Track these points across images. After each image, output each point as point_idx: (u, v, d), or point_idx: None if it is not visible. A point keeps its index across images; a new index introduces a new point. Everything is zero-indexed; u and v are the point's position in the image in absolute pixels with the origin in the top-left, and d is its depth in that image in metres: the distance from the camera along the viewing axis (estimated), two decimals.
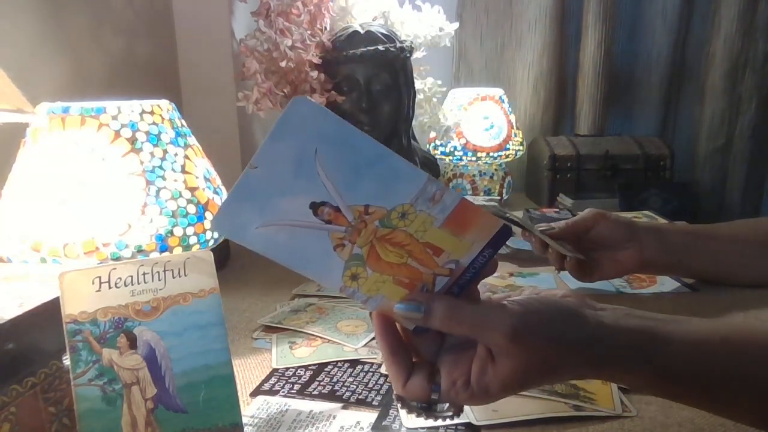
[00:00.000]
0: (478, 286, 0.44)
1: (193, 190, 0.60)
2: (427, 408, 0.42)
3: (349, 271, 0.40)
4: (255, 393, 0.56)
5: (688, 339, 0.42)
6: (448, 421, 0.44)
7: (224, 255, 0.99)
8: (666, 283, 0.83)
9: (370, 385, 0.57)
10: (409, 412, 0.43)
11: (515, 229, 0.75)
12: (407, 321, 0.42)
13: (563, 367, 0.41)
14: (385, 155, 0.38)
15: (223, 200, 0.64)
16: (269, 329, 0.71)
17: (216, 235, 0.62)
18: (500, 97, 1.43)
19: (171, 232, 0.57)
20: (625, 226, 0.74)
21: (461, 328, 0.40)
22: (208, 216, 0.61)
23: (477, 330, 0.40)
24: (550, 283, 0.86)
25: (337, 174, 0.37)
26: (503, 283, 0.85)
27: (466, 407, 0.52)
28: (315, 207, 0.38)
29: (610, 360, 0.41)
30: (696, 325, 0.44)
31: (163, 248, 0.57)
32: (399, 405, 0.44)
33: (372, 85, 1.06)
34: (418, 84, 1.23)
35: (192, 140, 0.65)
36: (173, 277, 0.46)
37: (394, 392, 0.44)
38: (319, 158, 0.37)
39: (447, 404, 0.42)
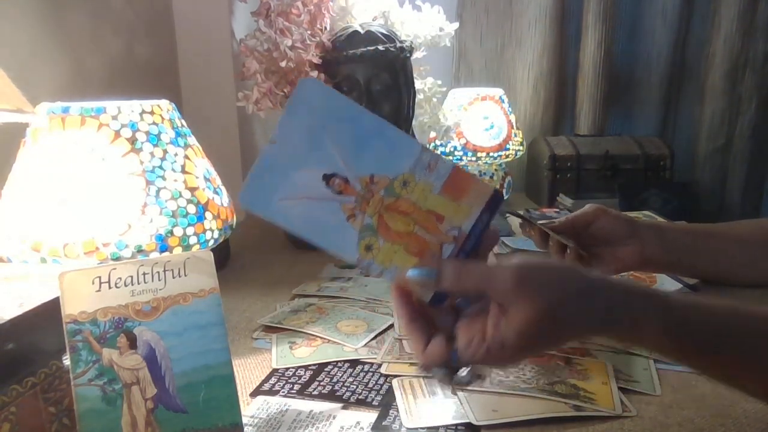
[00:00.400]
0: None
1: (193, 190, 0.60)
2: (449, 374, 0.44)
3: (363, 242, 0.43)
4: (255, 393, 0.56)
5: (694, 302, 0.44)
6: (470, 388, 0.45)
7: (224, 255, 0.99)
8: (666, 283, 0.83)
9: (370, 385, 0.57)
10: (433, 378, 0.45)
11: (515, 227, 0.75)
12: (422, 288, 0.44)
13: (572, 315, 0.42)
14: (384, 127, 0.42)
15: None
16: (269, 329, 0.71)
17: (216, 235, 0.62)
18: (500, 97, 1.43)
19: (171, 232, 0.57)
20: (626, 222, 0.74)
21: (471, 283, 0.42)
22: (208, 216, 0.61)
23: (485, 283, 0.41)
24: None
25: (343, 146, 0.41)
26: None
27: (467, 407, 0.52)
28: (327, 178, 0.41)
29: (616, 306, 0.42)
30: (702, 296, 0.45)
31: (163, 248, 0.57)
32: (424, 374, 0.46)
33: (372, 85, 1.06)
34: (418, 84, 1.23)
35: (192, 140, 0.65)
36: (173, 277, 0.46)
37: (418, 363, 0.45)
38: (328, 132, 0.40)
39: (468, 371, 0.44)
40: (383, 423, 0.51)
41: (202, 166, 0.64)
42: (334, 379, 0.59)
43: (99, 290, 0.44)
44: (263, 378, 0.59)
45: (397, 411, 0.52)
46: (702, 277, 0.82)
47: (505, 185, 1.47)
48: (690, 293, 0.80)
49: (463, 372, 0.44)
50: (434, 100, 1.32)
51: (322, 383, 0.58)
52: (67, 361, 0.43)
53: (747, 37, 1.52)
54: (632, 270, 0.82)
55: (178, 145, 0.61)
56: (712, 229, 0.79)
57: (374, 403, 0.54)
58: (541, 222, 0.74)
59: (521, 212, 0.84)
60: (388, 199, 0.43)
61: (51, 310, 0.43)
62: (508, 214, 1.25)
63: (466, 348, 0.42)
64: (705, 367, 0.45)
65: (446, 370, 0.43)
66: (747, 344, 0.42)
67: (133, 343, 0.44)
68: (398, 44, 1.08)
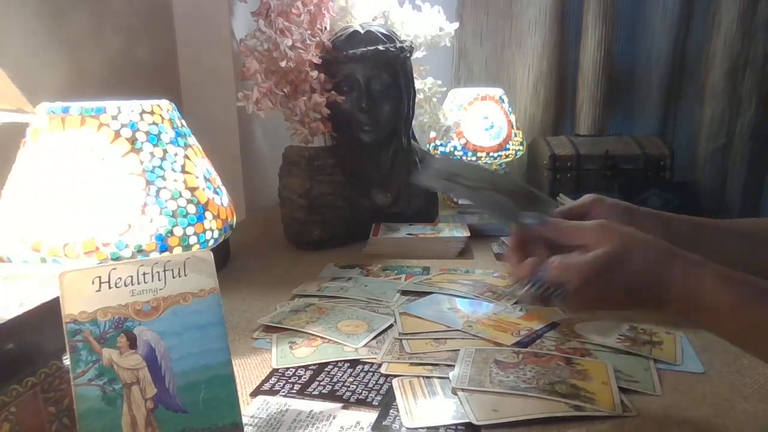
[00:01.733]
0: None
1: (193, 190, 0.60)
2: (536, 288, 0.50)
3: None
4: (255, 393, 0.56)
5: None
6: (555, 300, 0.50)
7: (224, 255, 0.99)
8: None
9: (370, 385, 0.57)
10: (520, 289, 0.52)
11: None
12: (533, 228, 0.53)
13: (640, 263, 0.48)
14: None
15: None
16: (269, 329, 0.71)
17: (216, 234, 0.62)
18: (500, 97, 1.43)
19: (171, 232, 0.57)
20: (624, 209, 0.74)
21: (566, 231, 0.51)
22: (208, 216, 0.61)
23: (576, 229, 0.51)
24: None
25: None
26: (503, 283, 0.85)
27: (467, 407, 0.52)
28: None
29: (678, 252, 0.48)
30: None
31: (163, 248, 0.57)
32: (513, 288, 0.53)
33: (372, 85, 1.06)
34: (418, 84, 1.23)
35: (192, 140, 0.65)
36: (173, 277, 0.46)
37: (510, 277, 0.55)
38: None
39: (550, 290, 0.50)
40: (383, 423, 0.51)
41: (202, 166, 0.64)
42: (334, 379, 0.59)
43: (99, 290, 0.44)
44: (263, 378, 0.59)
45: (397, 411, 0.52)
46: None
47: None
48: None
49: (549, 290, 0.50)
50: (434, 100, 1.32)
51: (322, 383, 0.58)
52: (67, 361, 0.43)
53: (747, 37, 1.52)
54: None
55: (178, 145, 0.61)
56: (716, 223, 0.78)
57: (374, 403, 0.54)
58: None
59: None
60: None
61: (51, 310, 0.43)
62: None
63: (551, 263, 0.49)
64: (756, 322, 0.46)
65: (533, 286, 0.50)
66: None
67: (133, 343, 0.44)
68: (398, 44, 1.08)
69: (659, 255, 0.48)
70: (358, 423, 0.51)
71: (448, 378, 0.57)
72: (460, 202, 1.37)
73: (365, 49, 1.04)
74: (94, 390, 0.42)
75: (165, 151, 0.59)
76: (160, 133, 0.59)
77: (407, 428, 0.50)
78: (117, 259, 0.54)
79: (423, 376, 0.58)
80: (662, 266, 0.48)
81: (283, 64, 0.97)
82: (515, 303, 0.77)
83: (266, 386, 0.58)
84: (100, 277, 0.44)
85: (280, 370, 0.61)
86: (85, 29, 0.96)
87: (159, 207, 0.57)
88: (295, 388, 0.57)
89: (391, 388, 0.56)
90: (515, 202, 0.56)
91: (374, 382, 0.58)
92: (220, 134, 1.26)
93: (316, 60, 1.01)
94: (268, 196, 1.33)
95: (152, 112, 0.59)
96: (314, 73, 1.01)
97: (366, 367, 0.61)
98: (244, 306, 0.79)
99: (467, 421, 0.50)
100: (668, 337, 0.66)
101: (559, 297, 0.49)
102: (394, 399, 0.54)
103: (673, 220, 0.76)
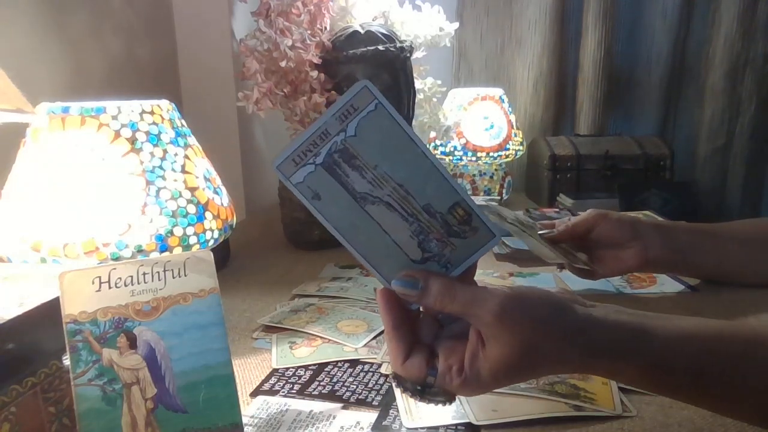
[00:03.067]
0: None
1: (193, 190, 0.60)
2: (421, 391, 0.43)
3: None
4: (255, 393, 0.56)
5: (679, 333, 0.42)
6: (439, 406, 0.44)
7: (224, 255, 0.99)
8: (666, 283, 0.83)
9: (370, 385, 0.57)
10: (404, 391, 0.44)
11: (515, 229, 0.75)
12: (404, 297, 0.43)
13: (551, 355, 0.41)
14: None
15: (221, 199, 0.65)
16: (269, 329, 0.71)
17: (216, 234, 0.62)
18: (500, 97, 1.43)
19: (171, 232, 0.57)
20: (629, 224, 0.74)
21: (453, 306, 0.41)
22: (208, 216, 0.61)
23: (467, 308, 0.41)
24: (549, 282, 0.86)
25: None
26: (503, 283, 0.85)
27: (467, 407, 0.52)
28: None
29: (598, 351, 0.41)
30: (687, 320, 0.44)
31: (163, 248, 0.57)
32: (395, 383, 0.45)
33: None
34: (418, 84, 1.23)
35: (192, 140, 0.65)
36: (173, 277, 0.46)
37: (392, 370, 0.45)
38: None
39: (439, 389, 0.43)
40: (383, 423, 0.51)
41: (202, 166, 0.64)
42: (334, 379, 0.59)
43: (99, 290, 0.44)
44: (263, 378, 0.59)
45: (397, 411, 0.52)
46: (704, 276, 0.82)
47: (505, 185, 1.47)
48: (689, 292, 0.80)
49: (437, 390, 0.43)
50: (434, 100, 1.32)
51: (322, 383, 0.58)
52: (67, 361, 0.43)
53: (747, 38, 1.52)
54: (634, 272, 0.81)
55: (178, 145, 0.61)
56: (715, 229, 0.78)
57: (374, 403, 0.54)
58: (541, 232, 0.73)
59: (521, 214, 0.83)
60: None
61: (51, 310, 0.43)
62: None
63: (445, 374, 0.42)
64: (691, 401, 0.45)
65: (420, 386, 0.43)
66: (730, 373, 0.41)
67: (133, 343, 0.44)
68: (398, 44, 1.08)
69: (571, 353, 0.41)
70: (358, 423, 0.51)
71: None
72: None
73: (365, 49, 1.04)
74: (94, 390, 0.42)
75: (165, 151, 0.59)
76: (160, 133, 0.59)
77: (407, 428, 0.50)
78: (117, 259, 0.54)
79: (391, 384, 0.58)
80: (576, 364, 0.42)
81: (283, 64, 0.97)
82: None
83: (266, 386, 0.58)
84: (100, 277, 0.44)
85: (280, 370, 0.61)
86: (85, 29, 0.96)
87: (159, 207, 0.57)
88: (295, 388, 0.57)
89: (391, 388, 0.56)
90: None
91: (374, 382, 0.58)
92: (220, 134, 1.26)
93: (316, 60, 1.01)
94: (268, 196, 1.33)
95: (152, 112, 0.59)
96: (314, 73, 1.01)
97: (366, 367, 0.61)
98: (244, 306, 0.79)
99: (467, 421, 0.50)
100: None
101: (453, 400, 0.44)
102: (394, 399, 0.54)
103: (675, 231, 0.76)
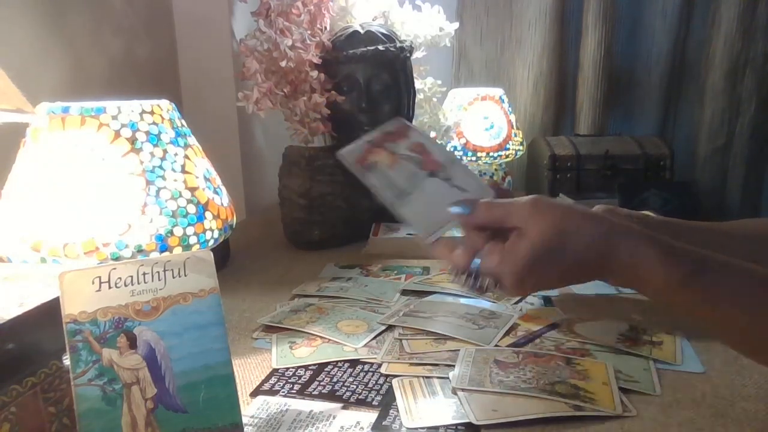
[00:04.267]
0: None
1: (193, 190, 0.60)
2: (474, 279, 0.51)
3: None
4: (255, 393, 0.56)
5: (692, 224, 0.52)
6: (488, 294, 0.54)
7: (224, 255, 0.99)
8: None
9: (370, 385, 0.57)
10: (457, 277, 0.52)
11: None
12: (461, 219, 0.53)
13: (577, 233, 0.47)
14: None
15: (221, 197, 0.65)
16: (269, 329, 0.71)
17: (216, 234, 0.62)
18: (500, 97, 1.43)
19: (171, 232, 0.57)
20: (635, 220, 0.74)
21: (497, 212, 0.49)
22: (208, 216, 0.61)
23: (508, 210, 0.49)
24: None
25: None
26: None
27: (467, 407, 0.52)
28: None
29: (617, 232, 0.47)
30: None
31: (163, 248, 0.57)
32: (453, 278, 0.53)
33: (372, 85, 1.06)
34: (418, 84, 1.23)
35: (192, 140, 0.65)
36: (173, 277, 0.46)
37: (448, 270, 0.54)
38: None
39: (488, 281, 0.50)
40: (383, 423, 0.51)
41: (202, 166, 0.64)
42: (334, 379, 0.59)
43: (99, 290, 0.44)
44: (263, 378, 0.59)
45: (397, 411, 0.52)
46: None
47: (505, 185, 1.47)
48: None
49: (486, 281, 0.50)
50: (434, 100, 1.32)
51: (322, 383, 0.58)
52: (67, 361, 0.43)
53: (747, 37, 1.52)
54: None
55: (178, 145, 0.61)
56: (722, 228, 0.78)
57: (374, 403, 0.54)
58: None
59: None
60: None
61: (51, 310, 0.43)
62: None
63: (487, 255, 0.49)
64: (697, 306, 0.46)
65: (470, 277, 0.51)
66: (747, 289, 0.44)
67: (133, 343, 0.44)
68: (398, 44, 1.08)
69: (597, 230, 0.47)
70: (358, 423, 0.51)
71: (448, 378, 0.57)
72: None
73: (365, 49, 1.04)
74: (94, 390, 0.42)
75: (165, 151, 0.59)
76: (160, 133, 0.59)
77: (407, 428, 0.50)
78: (117, 259, 0.54)
79: (423, 376, 0.58)
80: (602, 241, 0.47)
81: (283, 64, 0.97)
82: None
83: (266, 386, 0.58)
84: (100, 277, 0.44)
85: (280, 370, 0.61)
86: (85, 29, 0.96)
87: (159, 207, 0.57)
88: (295, 388, 0.57)
89: (391, 388, 0.56)
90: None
91: (374, 382, 0.58)
92: (220, 134, 1.26)
93: (316, 60, 1.01)
94: (268, 196, 1.33)
95: (152, 112, 0.59)
96: (314, 73, 1.01)
97: (366, 367, 0.61)
98: (244, 306, 0.79)
99: (467, 421, 0.50)
100: (668, 337, 0.66)
101: (497, 287, 0.49)
102: (394, 399, 0.54)
103: (682, 229, 0.76)
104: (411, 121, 1.19)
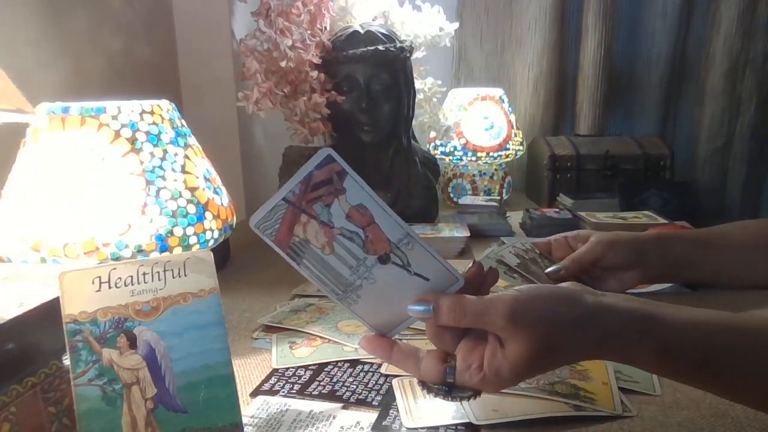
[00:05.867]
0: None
1: (193, 190, 0.60)
2: (447, 390, 0.46)
3: None
4: (255, 393, 0.56)
5: (690, 319, 0.44)
6: (466, 402, 0.47)
7: (224, 255, 0.99)
8: (665, 283, 0.83)
9: (370, 385, 0.57)
10: (429, 392, 0.47)
11: (514, 227, 0.74)
12: (421, 319, 0.47)
13: (566, 346, 0.43)
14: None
15: (223, 199, 0.65)
16: (269, 329, 0.71)
17: (216, 234, 0.62)
18: (500, 97, 1.43)
19: (171, 232, 0.57)
20: (635, 249, 0.72)
21: (466, 319, 0.44)
22: (208, 216, 0.61)
23: (480, 317, 0.43)
24: None
25: None
26: (503, 284, 0.85)
27: (467, 407, 0.52)
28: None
29: (610, 335, 0.43)
30: (699, 310, 0.45)
31: (163, 248, 0.57)
32: (422, 389, 0.48)
33: (372, 85, 1.06)
34: (418, 84, 1.23)
35: (192, 140, 0.65)
36: (173, 277, 0.46)
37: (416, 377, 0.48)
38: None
39: (464, 388, 0.46)
40: (383, 423, 0.51)
41: (202, 166, 0.64)
42: (334, 379, 0.59)
43: (99, 290, 0.44)
44: (263, 378, 0.59)
45: (397, 411, 0.52)
46: (703, 283, 0.82)
47: (505, 185, 1.47)
48: (689, 292, 0.80)
49: (463, 389, 0.46)
50: (434, 100, 1.32)
51: (322, 383, 0.58)
52: (67, 361, 0.43)
53: (747, 37, 1.52)
54: (632, 289, 0.80)
55: (178, 145, 0.61)
56: (710, 238, 0.77)
57: (374, 403, 0.54)
58: (547, 271, 0.72)
59: (521, 215, 0.82)
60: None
61: (51, 310, 0.43)
62: (508, 214, 1.25)
63: (464, 372, 0.44)
64: (703, 385, 0.45)
65: (444, 386, 0.46)
66: (744, 360, 0.42)
67: (133, 343, 0.44)
68: (398, 44, 1.08)
69: (588, 339, 0.43)
70: (358, 423, 0.51)
71: None
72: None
73: (365, 49, 1.04)
74: (94, 390, 0.42)
75: (165, 151, 0.59)
76: (160, 133, 0.59)
77: (407, 428, 0.50)
78: (117, 259, 0.54)
79: (422, 389, 0.58)
80: (593, 348, 0.43)
81: (283, 64, 0.97)
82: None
83: (266, 386, 0.58)
84: (100, 277, 0.44)
85: (280, 370, 0.61)
86: (85, 29, 0.96)
87: (159, 207, 0.57)
88: (295, 388, 0.57)
89: (391, 388, 0.56)
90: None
91: (374, 382, 0.58)
92: (220, 134, 1.26)
93: (316, 60, 1.01)
94: (268, 196, 1.33)
95: (152, 112, 0.59)
96: (314, 73, 1.01)
97: (366, 367, 0.61)
98: (244, 306, 0.79)
99: (467, 421, 0.50)
100: None
101: (475, 397, 0.46)
102: (394, 399, 0.54)
103: (672, 247, 0.75)
104: (411, 121, 1.18)
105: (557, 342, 0.42)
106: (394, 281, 0.45)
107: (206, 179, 0.64)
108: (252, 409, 0.53)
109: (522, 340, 0.42)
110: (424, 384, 0.47)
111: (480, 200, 1.32)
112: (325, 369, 0.61)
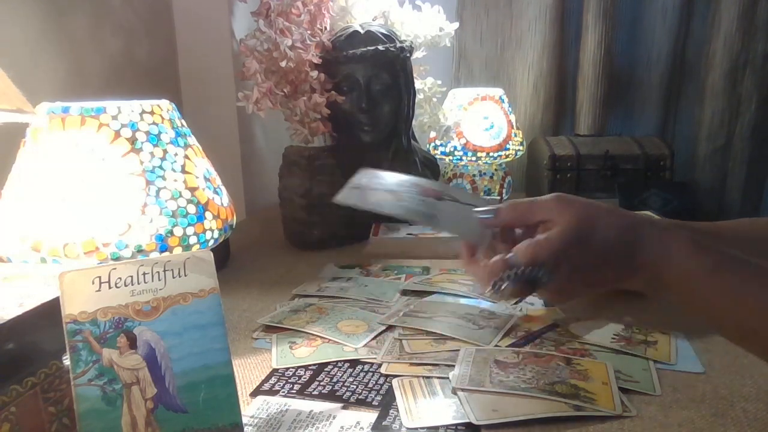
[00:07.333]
0: None
1: (193, 190, 0.60)
2: (512, 282, 0.50)
3: None
4: (255, 393, 0.56)
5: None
6: (542, 285, 0.51)
7: (224, 255, 0.99)
8: None
9: (370, 385, 0.57)
10: (496, 291, 0.51)
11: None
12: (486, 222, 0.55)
13: (608, 225, 0.49)
14: None
15: (222, 199, 0.65)
16: (269, 329, 0.71)
17: (216, 234, 0.62)
18: (500, 97, 1.43)
19: (171, 232, 0.57)
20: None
21: (521, 209, 0.52)
22: (208, 216, 0.61)
23: (531, 205, 0.52)
24: None
25: None
26: None
27: (467, 407, 0.52)
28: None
29: (648, 223, 0.49)
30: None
31: (163, 248, 0.57)
32: (490, 291, 0.51)
33: (372, 85, 1.06)
34: (418, 84, 1.23)
35: (192, 140, 0.65)
36: (173, 277, 0.46)
37: (484, 283, 0.52)
38: None
39: (538, 272, 0.49)
40: (383, 423, 0.51)
41: (202, 166, 0.64)
42: (334, 379, 0.59)
43: (99, 290, 0.44)
44: (263, 378, 0.59)
45: (397, 411, 0.52)
46: None
47: (505, 185, 1.47)
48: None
49: (536, 272, 0.50)
50: (434, 100, 1.32)
51: (322, 383, 0.58)
52: (67, 361, 0.43)
53: (747, 37, 1.52)
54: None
55: (178, 145, 0.61)
56: (717, 229, 0.78)
57: (374, 403, 0.54)
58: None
59: None
60: None
61: (51, 310, 0.43)
62: None
63: (519, 250, 0.50)
64: (720, 295, 0.45)
65: (510, 279, 0.50)
66: None
67: (133, 343, 0.44)
68: (398, 44, 1.08)
69: (623, 221, 0.49)
70: (358, 423, 0.51)
71: (448, 378, 0.57)
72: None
73: (365, 49, 1.04)
74: (94, 390, 0.42)
75: (165, 151, 0.59)
76: (160, 133, 0.59)
77: (407, 428, 0.50)
78: (117, 259, 0.54)
79: (423, 376, 0.58)
80: (627, 231, 0.48)
81: (283, 64, 0.97)
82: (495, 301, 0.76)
83: (266, 386, 0.58)
84: (100, 277, 0.44)
85: (280, 370, 0.61)
86: (85, 29, 0.96)
87: (159, 207, 0.57)
88: (295, 388, 0.57)
89: (391, 388, 0.57)
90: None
91: (374, 382, 0.58)
92: (220, 134, 1.26)
93: (316, 60, 1.01)
94: (268, 196, 1.33)
95: (152, 112, 0.59)
96: (314, 73, 1.01)
97: (366, 367, 0.61)
98: (244, 306, 0.79)
99: (467, 421, 0.50)
100: (663, 337, 0.66)
101: (542, 278, 0.49)
102: (394, 399, 0.54)
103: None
104: (411, 121, 1.19)
105: (596, 216, 0.49)
106: (455, 210, 0.58)
107: (206, 179, 0.64)
108: (252, 409, 0.53)
109: (567, 212, 0.49)
110: (490, 280, 0.51)
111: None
112: (325, 369, 0.61)
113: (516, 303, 0.76)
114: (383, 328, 0.70)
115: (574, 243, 0.48)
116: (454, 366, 0.59)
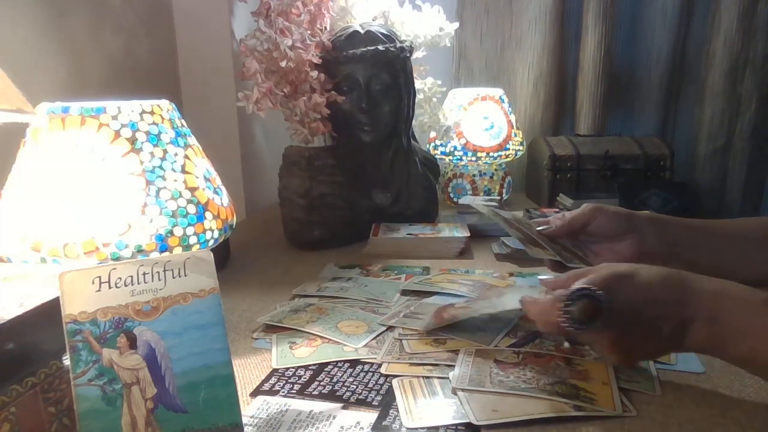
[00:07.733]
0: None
1: (193, 190, 0.60)
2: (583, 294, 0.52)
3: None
4: (255, 393, 0.56)
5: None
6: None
7: (224, 255, 0.99)
8: None
9: (370, 385, 0.57)
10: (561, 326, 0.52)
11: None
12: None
13: (655, 304, 0.51)
14: None
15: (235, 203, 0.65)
16: (269, 329, 0.71)
17: (216, 234, 0.62)
18: (500, 97, 1.43)
19: (171, 232, 0.57)
20: (625, 217, 0.74)
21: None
22: (208, 216, 0.61)
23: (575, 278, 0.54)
24: None
25: None
26: (503, 284, 0.85)
27: (467, 407, 0.52)
28: None
29: (699, 281, 0.53)
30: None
31: (163, 248, 0.57)
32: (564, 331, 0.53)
33: (372, 85, 1.06)
34: (418, 84, 1.23)
35: (192, 140, 0.65)
36: (173, 277, 0.46)
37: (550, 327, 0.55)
38: None
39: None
40: (383, 423, 0.51)
41: (202, 166, 0.64)
42: (334, 379, 0.59)
43: (99, 290, 0.44)
44: (263, 378, 0.59)
45: (397, 411, 0.52)
46: (699, 272, 0.82)
47: (505, 185, 1.47)
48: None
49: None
50: (434, 100, 1.32)
51: (322, 383, 0.58)
52: (67, 361, 0.43)
53: (747, 37, 1.52)
54: (631, 262, 0.81)
55: (178, 145, 0.61)
56: (714, 225, 0.78)
57: (374, 403, 0.54)
58: (539, 228, 0.73)
59: (521, 214, 0.84)
60: None
61: (51, 310, 0.43)
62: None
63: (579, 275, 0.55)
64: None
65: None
66: None
67: (133, 343, 0.44)
68: (398, 44, 1.08)
69: (669, 277, 0.54)
70: (358, 423, 0.51)
71: (448, 378, 0.57)
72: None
73: (365, 49, 1.04)
74: (94, 390, 0.42)
75: (165, 151, 0.59)
76: (160, 133, 0.59)
77: (407, 428, 0.50)
78: (117, 259, 0.54)
79: (423, 376, 0.58)
80: (676, 284, 0.53)
81: (283, 64, 0.97)
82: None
83: (266, 386, 0.58)
84: (100, 277, 0.44)
85: (280, 370, 0.61)
86: (85, 29, 0.96)
87: (159, 207, 0.57)
88: (295, 388, 0.57)
89: (391, 388, 0.56)
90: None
91: (374, 382, 0.58)
92: (220, 134, 1.26)
93: (316, 60, 1.01)
94: (268, 196, 1.33)
95: (152, 112, 0.59)
96: (314, 73, 1.01)
97: (366, 367, 0.61)
98: (244, 306, 0.79)
99: (467, 421, 0.50)
100: None
101: (599, 297, 0.51)
102: (394, 399, 0.54)
103: (671, 225, 0.77)
104: (411, 121, 1.19)
105: (647, 299, 0.52)
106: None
107: (206, 179, 0.64)
108: (252, 409, 0.53)
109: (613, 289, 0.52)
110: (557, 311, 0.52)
111: (479, 200, 1.32)
112: (325, 369, 0.61)
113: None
114: (383, 328, 0.70)
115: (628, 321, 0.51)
116: (454, 366, 0.59)
